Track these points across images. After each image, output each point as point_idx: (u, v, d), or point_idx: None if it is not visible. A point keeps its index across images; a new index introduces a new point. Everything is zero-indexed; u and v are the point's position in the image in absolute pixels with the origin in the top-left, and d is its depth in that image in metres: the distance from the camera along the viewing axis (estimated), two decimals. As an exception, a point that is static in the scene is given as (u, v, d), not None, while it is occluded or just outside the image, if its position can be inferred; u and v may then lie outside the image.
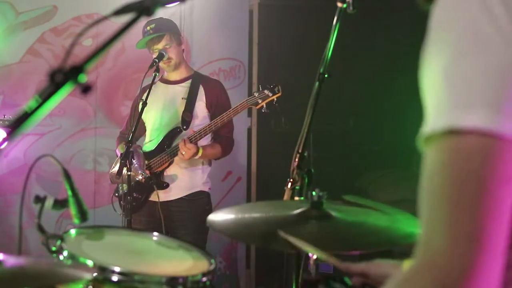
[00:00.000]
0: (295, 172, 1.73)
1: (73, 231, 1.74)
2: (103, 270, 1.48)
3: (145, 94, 3.13)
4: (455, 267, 0.64)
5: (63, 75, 0.86)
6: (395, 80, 3.84)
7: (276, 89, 3.14)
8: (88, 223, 1.64)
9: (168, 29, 3.33)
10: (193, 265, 1.68)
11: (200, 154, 3.19)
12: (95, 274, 1.44)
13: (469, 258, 0.64)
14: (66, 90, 0.87)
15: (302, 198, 1.72)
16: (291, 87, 3.76)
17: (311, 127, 1.79)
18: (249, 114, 4.55)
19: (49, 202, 1.53)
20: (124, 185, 3.11)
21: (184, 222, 3.26)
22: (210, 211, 3.32)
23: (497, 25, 0.67)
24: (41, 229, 1.52)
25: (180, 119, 3.29)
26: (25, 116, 0.85)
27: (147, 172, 3.19)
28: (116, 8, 0.98)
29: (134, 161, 3.07)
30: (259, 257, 4.53)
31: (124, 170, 2.99)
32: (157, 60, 3.19)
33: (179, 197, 3.29)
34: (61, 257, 1.54)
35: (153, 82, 3.17)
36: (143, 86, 3.19)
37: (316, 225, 1.43)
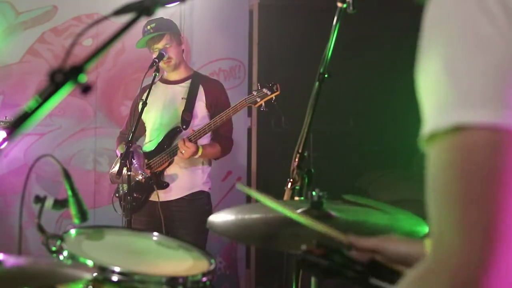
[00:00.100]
0: (295, 172, 1.73)
1: (73, 231, 1.74)
2: (103, 270, 1.48)
3: (145, 94, 3.13)
4: (472, 264, 0.64)
5: (63, 75, 0.86)
6: (395, 80, 3.84)
7: (274, 87, 3.14)
8: (88, 223, 1.64)
9: (169, 28, 3.33)
10: (193, 265, 1.68)
11: (200, 153, 3.19)
12: (95, 274, 1.44)
13: (485, 253, 0.63)
14: (66, 90, 0.87)
15: (302, 198, 1.72)
16: (291, 87, 3.76)
17: (311, 127, 1.79)
18: (249, 114, 4.55)
19: (49, 202, 1.53)
20: (124, 185, 3.11)
21: (184, 222, 3.26)
22: (210, 211, 3.32)
23: (495, 24, 0.67)
24: (41, 229, 1.52)
25: (180, 119, 3.29)
26: (25, 116, 0.85)
27: (147, 172, 3.19)
28: (116, 8, 0.98)
29: (134, 161, 3.07)
30: (259, 257, 4.53)
31: (124, 170, 2.99)
32: (157, 60, 3.19)
33: (179, 197, 3.29)
34: (61, 257, 1.54)
35: (153, 82, 3.17)
36: (142, 86, 3.20)
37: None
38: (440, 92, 0.69)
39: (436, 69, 0.69)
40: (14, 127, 0.85)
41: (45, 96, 0.86)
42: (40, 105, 0.86)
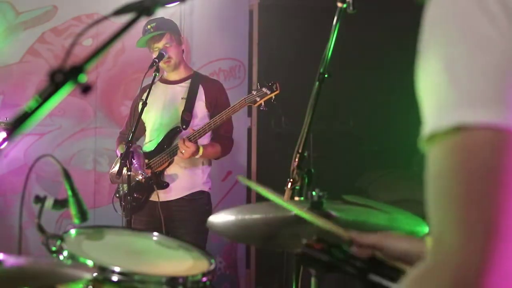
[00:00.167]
0: (295, 172, 1.74)
1: (73, 231, 1.74)
2: (103, 270, 1.48)
3: (145, 94, 3.13)
4: (472, 264, 0.64)
5: (63, 75, 0.86)
6: (395, 80, 3.84)
7: (274, 86, 3.14)
8: (88, 223, 1.64)
9: (169, 28, 3.33)
10: (193, 265, 1.68)
11: (200, 153, 3.19)
12: (95, 274, 1.45)
13: (485, 253, 0.63)
14: (66, 90, 0.87)
15: (302, 198, 1.72)
16: (291, 87, 3.76)
17: (311, 127, 1.79)
18: (249, 114, 4.55)
19: (49, 202, 1.53)
20: (124, 185, 3.11)
21: (184, 222, 3.26)
22: (210, 211, 3.32)
23: (495, 24, 0.67)
24: (41, 229, 1.52)
25: (179, 119, 3.29)
26: (25, 116, 0.85)
27: (148, 172, 3.19)
28: (116, 8, 0.98)
29: (134, 161, 3.07)
30: (259, 257, 4.53)
31: (124, 170, 2.99)
32: (157, 60, 3.19)
33: (179, 197, 3.29)
34: (61, 257, 1.54)
35: (153, 82, 3.17)
36: (142, 86, 3.20)
37: (316, 225, 1.43)
38: (440, 92, 0.69)
39: (436, 69, 0.69)
40: (14, 127, 0.85)
41: (45, 96, 0.86)
42: (40, 105, 0.86)
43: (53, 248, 1.54)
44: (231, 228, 1.51)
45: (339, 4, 1.80)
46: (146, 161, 3.24)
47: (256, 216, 1.53)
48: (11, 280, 1.27)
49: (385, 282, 1.11)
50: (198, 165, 3.33)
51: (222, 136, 3.35)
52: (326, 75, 1.83)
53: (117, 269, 1.49)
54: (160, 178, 3.27)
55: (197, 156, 3.21)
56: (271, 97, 3.14)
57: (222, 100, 3.36)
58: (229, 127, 3.39)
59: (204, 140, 3.28)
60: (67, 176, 1.53)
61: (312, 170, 1.74)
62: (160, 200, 3.20)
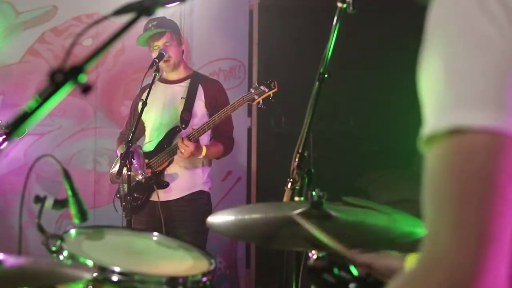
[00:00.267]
0: (295, 172, 1.73)
1: (73, 231, 1.74)
2: (103, 270, 1.48)
3: (145, 94, 3.13)
4: (465, 265, 0.64)
5: (63, 75, 0.86)
6: (395, 80, 3.85)
7: (272, 84, 3.14)
8: (88, 223, 1.63)
9: (170, 27, 3.34)
10: (193, 265, 1.68)
11: (204, 153, 3.19)
12: (95, 274, 1.44)
13: (479, 255, 0.64)
14: (66, 90, 0.87)
15: (302, 198, 1.72)
16: (291, 87, 3.76)
17: (311, 127, 1.79)
18: (249, 114, 4.55)
19: (49, 202, 1.53)
20: (125, 185, 3.11)
21: (184, 222, 3.26)
22: (210, 211, 3.32)
23: (496, 24, 0.67)
24: (41, 229, 1.52)
25: (179, 118, 3.29)
26: (25, 116, 0.85)
27: (148, 172, 3.19)
28: (116, 8, 0.98)
29: (134, 161, 3.07)
30: (259, 257, 4.53)
31: (124, 170, 2.99)
32: (157, 60, 3.19)
33: (179, 196, 3.29)
34: (61, 257, 1.54)
35: (153, 82, 3.17)
36: (142, 86, 3.20)
37: (316, 225, 1.43)
38: (439, 92, 0.69)
39: (436, 69, 0.69)
40: (14, 127, 0.85)
41: (45, 96, 0.86)
42: (40, 105, 0.86)
43: (53, 248, 1.54)
44: (230, 228, 1.51)
45: (339, 4, 1.79)
46: (146, 161, 3.24)
47: (255, 216, 1.53)
48: (11, 280, 1.27)
49: None
50: (198, 165, 3.33)
51: (223, 135, 3.35)
52: (326, 75, 1.83)
53: (117, 269, 1.49)
54: (160, 177, 3.27)
55: (200, 156, 3.22)
56: (270, 95, 3.14)
57: (222, 100, 3.36)
58: (229, 127, 3.40)
59: (205, 140, 3.28)
60: (67, 176, 1.53)
61: (312, 170, 1.74)
62: (160, 199, 3.20)
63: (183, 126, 3.27)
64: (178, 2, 1.09)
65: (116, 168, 3.15)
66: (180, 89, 3.36)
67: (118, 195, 3.31)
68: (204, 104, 3.33)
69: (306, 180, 1.73)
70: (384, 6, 4.11)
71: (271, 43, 4.59)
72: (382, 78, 4.30)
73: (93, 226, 1.89)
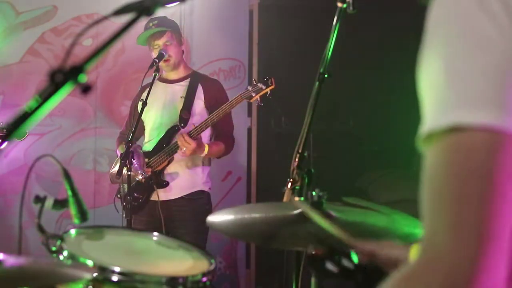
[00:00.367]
0: (295, 172, 1.73)
1: (73, 231, 1.74)
2: (103, 270, 1.48)
3: (145, 94, 3.13)
4: (464, 265, 0.64)
5: (63, 75, 0.86)
6: (395, 80, 3.85)
7: (269, 81, 3.13)
8: (88, 223, 1.64)
9: (171, 26, 3.34)
10: (193, 265, 1.68)
11: (206, 151, 3.19)
12: (95, 274, 1.45)
13: (478, 254, 0.63)
14: (66, 90, 0.87)
15: (302, 198, 1.72)
16: (291, 87, 3.76)
17: (311, 127, 1.79)
18: (249, 114, 4.55)
19: (49, 202, 1.53)
20: (125, 185, 3.11)
21: (184, 221, 3.26)
22: (210, 211, 3.32)
23: (496, 23, 0.67)
24: (41, 229, 1.52)
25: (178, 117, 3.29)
26: (25, 116, 0.85)
27: (147, 171, 3.19)
28: (116, 8, 0.98)
29: (134, 161, 3.07)
30: (259, 257, 4.53)
31: (124, 170, 2.99)
32: (157, 60, 3.19)
33: (179, 196, 3.28)
34: (61, 257, 1.54)
35: (153, 82, 3.17)
36: (142, 86, 3.19)
37: (315, 225, 1.43)
38: (438, 91, 0.69)
39: (436, 69, 0.69)
40: (14, 127, 0.85)
41: (45, 96, 0.86)
42: (40, 105, 0.86)
43: (53, 248, 1.54)
44: (230, 227, 1.51)
45: (339, 4, 1.79)
46: (146, 160, 3.24)
47: (255, 215, 1.53)
48: (11, 280, 1.27)
49: None
50: (198, 165, 3.33)
51: (224, 134, 3.36)
52: (326, 75, 1.83)
53: (117, 269, 1.49)
54: (160, 177, 3.27)
55: (202, 154, 3.21)
56: (267, 92, 3.13)
57: (221, 99, 3.35)
58: (230, 126, 3.40)
59: (204, 140, 3.28)
60: (67, 176, 1.53)
61: (312, 170, 1.74)
62: (160, 199, 3.20)
63: (182, 125, 3.27)
64: (178, 2, 1.09)
65: (116, 168, 3.15)
66: (180, 88, 3.36)
67: (119, 195, 3.31)
68: (203, 103, 3.33)
69: (306, 180, 1.73)
70: (384, 6, 4.11)
71: (271, 43, 4.59)
72: (382, 78, 4.30)
73: (93, 226, 1.89)
